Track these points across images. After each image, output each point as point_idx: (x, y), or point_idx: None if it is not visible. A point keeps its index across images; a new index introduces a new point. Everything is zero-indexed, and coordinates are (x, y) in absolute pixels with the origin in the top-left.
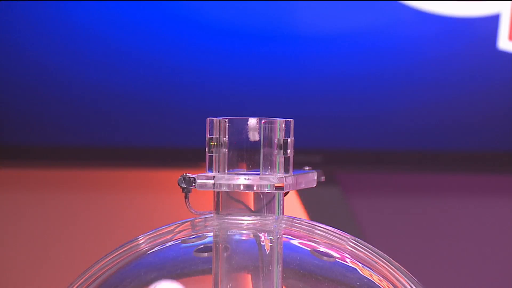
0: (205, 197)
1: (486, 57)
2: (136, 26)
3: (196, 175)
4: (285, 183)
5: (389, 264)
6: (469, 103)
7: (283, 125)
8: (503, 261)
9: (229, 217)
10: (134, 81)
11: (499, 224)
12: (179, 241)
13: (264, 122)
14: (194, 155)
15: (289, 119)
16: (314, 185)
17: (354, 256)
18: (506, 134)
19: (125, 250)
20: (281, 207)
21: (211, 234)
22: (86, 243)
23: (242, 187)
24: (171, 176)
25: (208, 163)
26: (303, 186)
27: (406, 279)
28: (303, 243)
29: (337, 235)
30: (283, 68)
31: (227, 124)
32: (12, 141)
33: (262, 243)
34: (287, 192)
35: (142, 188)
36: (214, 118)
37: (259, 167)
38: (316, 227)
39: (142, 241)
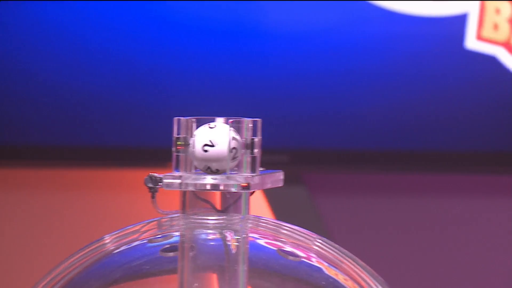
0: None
1: (453, 56)
2: (103, 26)
3: (163, 174)
4: (251, 182)
5: (355, 264)
6: (436, 102)
7: (251, 125)
8: (468, 260)
9: (195, 216)
10: (100, 80)
11: (464, 222)
12: (146, 241)
13: (231, 122)
14: (161, 155)
15: (256, 119)
16: (281, 185)
17: (320, 255)
18: (471, 133)
19: (90, 250)
20: (247, 206)
21: (178, 233)
22: (50, 243)
23: (208, 187)
24: (139, 176)
25: (175, 162)
26: (269, 185)
27: (371, 278)
28: (269, 242)
29: (303, 234)
30: (250, 67)
31: (194, 124)
32: None
33: (228, 242)
34: (253, 192)
35: (110, 188)
36: (181, 118)
37: None
38: (282, 226)
39: (108, 240)
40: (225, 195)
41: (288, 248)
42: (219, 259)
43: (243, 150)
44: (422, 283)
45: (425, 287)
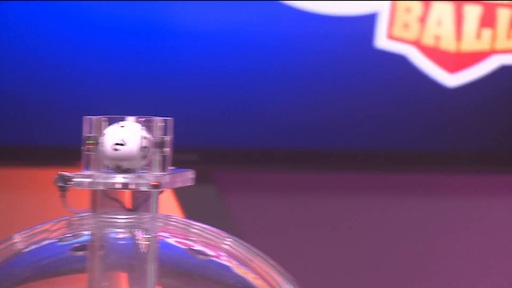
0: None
1: (363, 55)
2: (11, 23)
3: (73, 173)
4: (162, 181)
5: (264, 262)
6: (346, 101)
7: (161, 124)
8: (385, 256)
9: (105, 215)
10: (6, 79)
11: (385, 222)
12: (55, 240)
13: (142, 121)
14: (72, 154)
15: (167, 118)
16: (191, 184)
17: (229, 254)
18: (380, 132)
19: (0, 250)
20: (157, 205)
21: (88, 232)
22: None
23: (118, 186)
24: (50, 175)
25: (85, 161)
26: (179, 184)
27: (281, 277)
28: (179, 241)
29: (213, 233)
30: (161, 66)
31: (104, 123)
32: None
33: (137, 241)
34: (163, 191)
35: (20, 187)
36: (92, 117)
37: None
38: (192, 225)
39: (17, 240)
40: (136, 194)
41: (197, 247)
42: (129, 258)
43: (154, 149)
44: (333, 281)
45: (336, 284)
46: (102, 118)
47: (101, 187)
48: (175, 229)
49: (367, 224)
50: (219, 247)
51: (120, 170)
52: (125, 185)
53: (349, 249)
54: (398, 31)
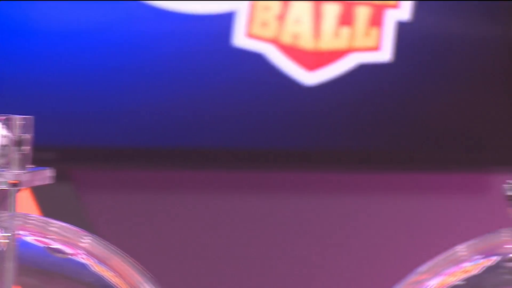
0: None
1: (221, 53)
2: None
3: None
4: (21, 179)
5: (123, 260)
6: (204, 100)
7: (21, 122)
8: (254, 255)
9: None
10: None
11: (243, 218)
12: None
13: (1, 119)
14: None
15: (28, 116)
16: (50, 182)
17: (88, 252)
18: (241, 131)
19: None
20: (15, 204)
21: None
22: None
23: None
24: None
25: None
26: (38, 183)
27: (140, 275)
28: (37, 240)
29: (70, 231)
30: (21, 64)
31: None
32: None
33: None
34: (21, 189)
35: None
36: None
37: None
38: (50, 224)
39: None
40: None
41: (56, 245)
42: None
43: (13, 147)
44: (192, 279)
45: (193, 283)
46: None
47: None
48: (33, 227)
49: (217, 222)
50: (77, 245)
51: None
52: None
53: (198, 246)
54: (256, 29)
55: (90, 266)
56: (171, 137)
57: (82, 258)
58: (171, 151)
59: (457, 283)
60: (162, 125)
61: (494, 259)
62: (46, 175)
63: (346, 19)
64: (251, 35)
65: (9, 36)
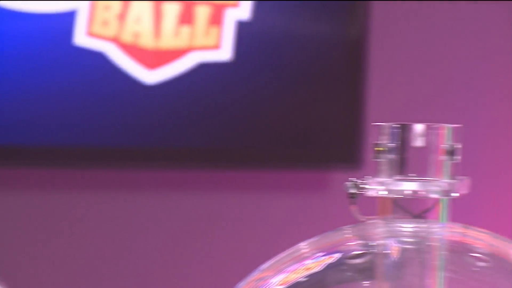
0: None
1: (63, 52)
2: None
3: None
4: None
5: None
6: (47, 99)
7: None
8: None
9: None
10: None
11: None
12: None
13: None
14: None
15: None
16: None
17: None
18: (81, 129)
19: None
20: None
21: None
22: None
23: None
24: None
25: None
26: None
27: None
28: None
29: None
30: None
31: None
32: None
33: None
34: None
35: None
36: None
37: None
38: None
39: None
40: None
41: None
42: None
43: None
44: (36, 278)
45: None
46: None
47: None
48: None
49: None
50: None
51: None
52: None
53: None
54: (97, 28)
55: None
56: (24, 135)
57: None
58: (22, 149)
59: (300, 280)
60: (13, 122)
61: (335, 256)
62: None
63: (186, 18)
64: (91, 34)
65: None
